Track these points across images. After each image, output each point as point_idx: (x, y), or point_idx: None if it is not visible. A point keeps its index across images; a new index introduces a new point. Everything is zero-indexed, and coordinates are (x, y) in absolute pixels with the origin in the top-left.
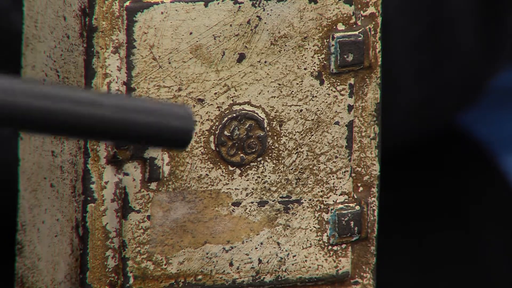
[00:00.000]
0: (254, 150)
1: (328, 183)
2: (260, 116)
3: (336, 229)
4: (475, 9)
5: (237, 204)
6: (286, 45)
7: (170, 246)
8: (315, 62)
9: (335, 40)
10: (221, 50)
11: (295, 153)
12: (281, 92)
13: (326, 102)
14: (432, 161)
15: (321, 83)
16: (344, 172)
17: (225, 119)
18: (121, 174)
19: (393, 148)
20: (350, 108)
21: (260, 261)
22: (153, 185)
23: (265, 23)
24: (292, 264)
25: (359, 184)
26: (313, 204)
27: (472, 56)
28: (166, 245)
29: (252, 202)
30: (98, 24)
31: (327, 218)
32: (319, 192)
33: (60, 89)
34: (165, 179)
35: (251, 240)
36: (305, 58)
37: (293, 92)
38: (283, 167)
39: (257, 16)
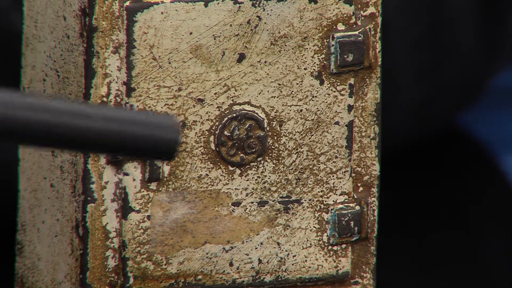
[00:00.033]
0: (254, 150)
1: (328, 183)
2: (260, 116)
3: (336, 229)
4: (475, 9)
5: (237, 204)
6: (286, 45)
7: (170, 246)
8: (315, 62)
9: (335, 40)
10: (221, 50)
11: (295, 153)
12: (281, 92)
13: (326, 102)
14: (432, 161)
15: (321, 83)
16: (344, 172)
17: (225, 119)
18: (121, 174)
19: (393, 148)
20: (350, 108)
21: (260, 261)
22: (153, 185)
23: (265, 23)
24: (292, 264)
25: (359, 184)
26: (313, 204)
27: (472, 56)
28: (166, 245)
29: (252, 202)
30: (98, 24)
31: (327, 218)
32: (319, 192)
33: (41, 100)
34: (165, 179)
35: (251, 240)
36: (305, 58)
37: (293, 92)
38: (283, 167)
39: (257, 16)
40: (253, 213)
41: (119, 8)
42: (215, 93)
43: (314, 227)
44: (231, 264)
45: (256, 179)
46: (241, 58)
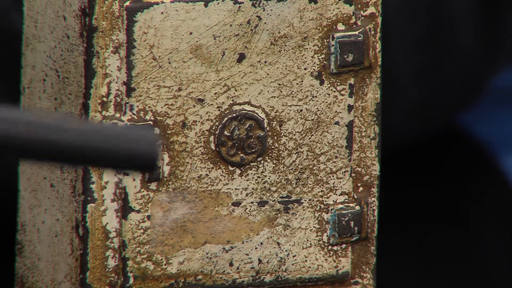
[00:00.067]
0: (254, 150)
1: (328, 183)
2: (260, 116)
3: (336, 229)
4: (475, 9)
5: (237, 204)
6: (286, 45)
7: (170, 246)
8: (315, 62)
9: (335, 40)
10: (221, 50)
11: (295, 153)
12: (281, 92)
13: (326, 102)
14: (432, 161)
15: (321, 83)
16: (344, 172)
17: (225, 119)
18: (121, 174)
19: (393, 148)
20: (350, 108)
21: (260, 261)
22: (153, 185)
23: (265, 23)
24: (292, 264)
25: (359, 184)
26: (313, 204)
27: (472, 56)
28: (166, 245)
29: (252, 202)
30: (98, 24)
31: (327, 218)
32: (319, 192)
33: (19, 114)
34: (165, 179)
35: (251, 240)
36: (305, 58)
37: (293, 92)
38: (283, 167)
39: (257, 16)
40: (253, 213)
41: (119, 8)
42: (215, 93)
43: (314, 227)
44: (231, 264)
45: (256, 179)
46: (241, 58)
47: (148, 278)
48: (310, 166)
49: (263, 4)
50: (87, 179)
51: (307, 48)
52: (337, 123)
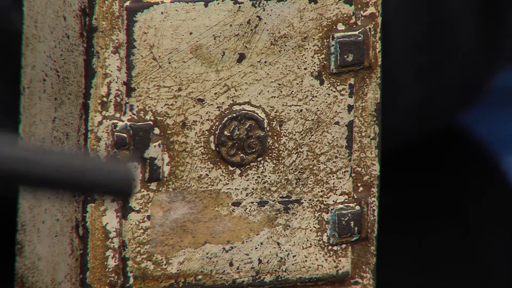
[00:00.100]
0: (254, 150)
1: (328, 183)
2: (260, 116)
3: (336, 229)
4: (475, 9)
5: (237, 204)
6: (286, 45)
7: (170, 246)
8: (315, 62)
9: (335, 40)
10: (221, 50)
11: (295, 153)
12: (281, 92)
13: (326, 102)
14: (432, 161)
15: (321, 83)
16: (344, 172)
17: (225, 119)
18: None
19: (393, 148)
20: (350, 108)
21: (260, 261)
22: (153, 185)
23: (265, 23)
24: (292, 264)
25: (359, 184)
26: (313, 204)
27: (472, 56)
28: (166, 245)
29: (252, 202)
30: (98, 24)
31: (327, 218)
32: (319, 192)
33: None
34: (165, 179)
35: (251, 240)
36: (305, 58)
37: (293, 92)
38: (283, 167)
39: (257, 16)
40: (253, 213)
41: (119, 8)
42: (215, 93)
43: (314, 227)
44: (231, 264)
45: (256, 179)
46: (241, 58)
47: (148, 278)
48: (310, 166)
49: (263, 4)
50: None
51: (307, 48)
52: (337, 123)
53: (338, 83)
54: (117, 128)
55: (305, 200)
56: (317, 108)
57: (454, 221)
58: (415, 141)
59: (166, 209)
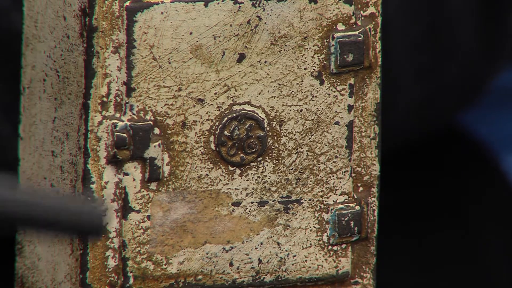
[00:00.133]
0: (254, 150)
1: (328, 183)
2: (260, 116)
3: (336, 229)
4: (475, 9)
5: (237, 204)
6: (286, 45)
7: (170, 246)
8: (315, 62)
9: (335, 40)
10: (221, 50)
11: (295, 153)
12: (281, 92)
13: (326, 102)
14: (432, 161)
15: (321, 83)
16: (344, 172)
17: (225, 119)
18: (121, 174)
19: (393, 148)
20: (350, 108)
21: (260, 261)
22: (153, 185)
23: (265, 23)
24: (292, 264)
25: (359, 184)
26: (313, 204)
27: (472, 56)
28: (166, 245)
29: (252, 202)
30: (98, 24)
31: (327, 218)
32: (319, 192)
33: None
34: (165, 179)
35: (251, 240)
36: (305, 58)
37: (293, 92)
38: (283, 167)
39: (257, 16)
40: (253, 213)
41: (119, 8)
42: (215, 93)
43: (314, 227)
44: (231, 264)
45: (256, 179)
46: (241, 58)
47: (148, 278)
48: (310, 166)
49: (263, 4)
50: (87, 179)
51: (307, 48)
52: (337, 123)
53: (338, 83)
54: (117, 128)
55: (305, 200)
56: (317, 108)
57: (454, 221)
58: (415, 141)
59: (166, 209)
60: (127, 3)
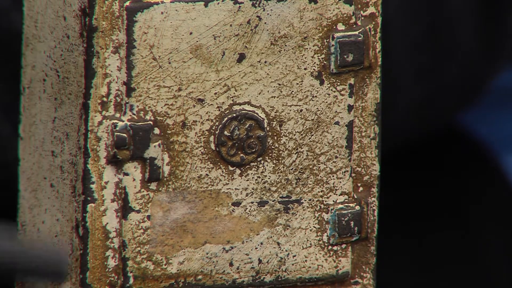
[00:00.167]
0: (254, 150)
1: (328, 183)
2: (260, 116)
3: (336, 229)
4: (475, 9)
5: (237, 204)
6: (286, 45)
7: (170, 246)
8: (315, 62)
9: (335, 40)
10: (221, 50)
11: (295, 153)
12: (281, 92)
13: (326, 102)
14: (432, 161)
15: (321, 83)
16: (344, 172)
17: (225, 119)
18: (121, 174)
19: (393, 148)
20: (350, 108)
21: (260, 261)
22: (153, 185)
23: (265, 23)
24: (292, 264)
25: (359, 184)
26: (313, 204)
27: (472, 56)
28: (166, 245)
29: (252, 202)
30: (98, 24)
31: (327, 218)
32: (319, 192)
33: None
34: (165, 179)
35: (251, 240)
36: (305, 58)
37: (293, 92)
38: (283, 167)
39: (257, 16)
40: (253, 213)
41: (119, 8)
42: (215, 93)
43: (314, 227)
44: (231, 264)
45: (256, 179)
46: (241, 58)
47: (148, 278)
48: (310, 166)
49: (263, 4)
50: (87, 179)
51: (307, 48)
52: (337, 123)
53: (338, 83)
54: (117, 128)
55: (305, 200)
56: (317, 108)
57: (454, 221)
58: (415, 141)
59: (166, 209)
60: (127, 3)
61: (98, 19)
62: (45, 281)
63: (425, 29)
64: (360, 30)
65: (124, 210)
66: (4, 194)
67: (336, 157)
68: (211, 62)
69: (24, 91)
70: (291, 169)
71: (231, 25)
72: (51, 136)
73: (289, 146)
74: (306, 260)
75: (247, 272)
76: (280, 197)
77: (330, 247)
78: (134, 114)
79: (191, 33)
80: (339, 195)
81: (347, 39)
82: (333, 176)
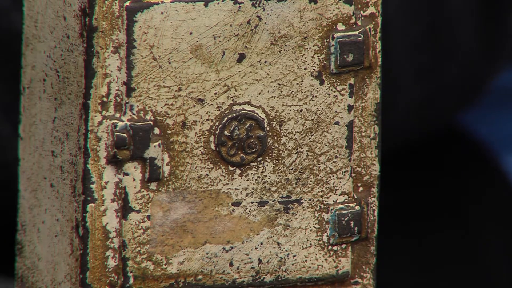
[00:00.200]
0: (254, 150)
1: (328, 183)
2: (260, 116)
3: (336, 229)
4: (475, 9)
5: (237, 204)
6: (286, 45)
7: (170, 246)
8: (315, 62)
9: (335, 40)
10: (221, 50)
11: (295, 153)
12: (281, 92)
13: (326, 102)
14: (432, 161)
15: (321, 83)
16: (344, 172)
17: (225, 119)
18: (121, 174)
19: (393, 148)
20: (350, 108)
21: (260, 261)
22: (153, 185)
23: (265, 23)
24: (292, 264)
25: (359, 184)
26: (313, 204)
27: (472, 56)
28: (166, 245)
29: (252, 202)
30: (98, 24)
31: (327, 218)
32: (319, 192)
33: None
34: (165, 179)
35: (251, 240)
36: (305, 58)
37: (293, 92)
38: (283, 167)
39: (257, 16)
40: (253, 213)
41: (119, 8)
42: (215, 93)
43: (314, 227)
44: (231, 264)
45: (256, 179)
46: (241, 58)
47: (148, 278)
48: (310, 166)
49: (263, 4)
50: (87, 179)
51: (307, 48)
52: (337, 123)
53: (338, 83)
54: (117, 128)
55: (305, 200)
56: (317, 108)
57: (454, 221)
58: (415, 141)
59: (166, 209)
60: (127, 3)
61: (98, 19)
62: None
63: (425, 29)
64: (360, 30)
65: (124, 210)
66: (4, 194)
67: (336, 157)
68: (211, 62)
69: (24, 91)
70: (291, 169)
71: (231, 25)
72: (51, 136)
73: (289, 146)
74: (306, 260)
75: (247, 272)
76: (280, 197)
77: (330, 247)
78: (134, 114)
79: (191, 33)
80: (339, 195)
81: (347, 39)
82: (333, 176)
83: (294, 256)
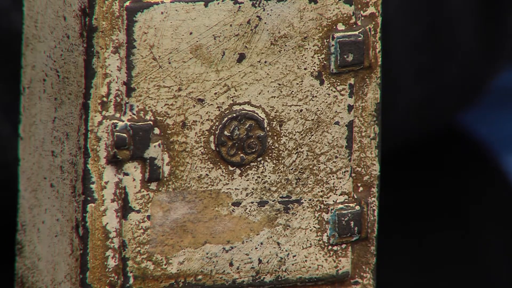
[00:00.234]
0: (254, 150)
1: (328, 183)
2: (260, 116)
3: (336, 229)
4: (475, 9)
5: (237, 204)
6: (286, 45)
7: (170, 246)
8: (315, 62)
9: (335, 40)
10: (221, 50)
11: (295, 153)
12: (281, 92)
13: (326, 102)
14: (432, 161)
15: (321, 83)
16: (344, 172)
17: (225, 119)
18: (121, 174)
19: (393, 148)
20: (350, 108)
21: (260, 261)
22: (153, 185)
23: (265, 23)
24: (292, 264)
25: (359, 184)
26: (313, 204)
27: (472, 56)
28: (166, 245)
29: (252, 202)
30: (98, 24)
31: (327, 218)
32: (319, 192)
33: None
34: (165, 179)
35: (251, 240)
36: (305, 58)
37: (293, 92)
38: (283, 167)
39: (257, 16)
40: (253, 213)
41: (119, 8)
42: (215, 93)
43: (314, 227)
44: (231, 264)
45: (256, 179)
46: (241, 58)
47: (148, 278)
48: (310, 166)
49: (263, 4)
50: (87, 179)
51: (307, 48)
52: (337, 123)
53: (338, 83)
54: (117, 128)
55: (305, 200)
56: (317, 108)
57: (454, 221)
58: (415, 141)
59: (166, 209)
60: (127, 3)
61: (98, 19)
62: None
63: (425, 29)
64: (360, 30)
65: (124, 210)
66: (4, 194)
67: (336, 157)
68: (211, 62)
69: (24, 91)
70: (291, 169)
71: (231, 25)
72: (51, 136)
73: (289, 146)
74: (306, 260)
75: (247, 272)
76: (280, 197)
77: (330, 247)
78: (134, 114)
79: (191, 33)
80: (339, 195)
81: (347, 39)
82: (333, 176)
83: (294, 256)
